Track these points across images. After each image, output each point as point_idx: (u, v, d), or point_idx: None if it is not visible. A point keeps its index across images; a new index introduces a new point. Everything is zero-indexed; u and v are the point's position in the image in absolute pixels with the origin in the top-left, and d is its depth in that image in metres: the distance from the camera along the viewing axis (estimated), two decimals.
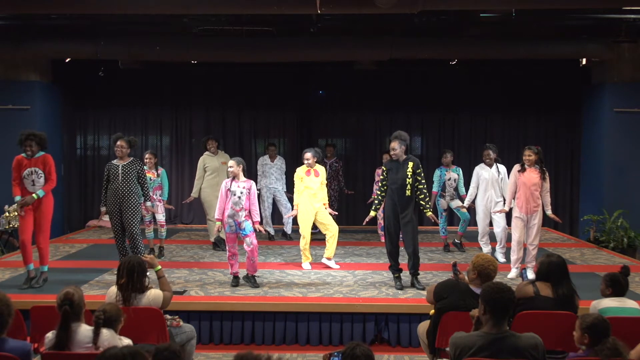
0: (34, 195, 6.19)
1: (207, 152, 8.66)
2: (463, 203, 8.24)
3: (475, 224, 8.16)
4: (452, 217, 8.62)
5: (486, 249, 7.95)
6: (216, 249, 8.47)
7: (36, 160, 6.31)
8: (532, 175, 6.61)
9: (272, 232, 9.37)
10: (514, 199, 6.77)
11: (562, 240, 9.73)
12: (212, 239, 8.56)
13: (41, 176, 6.30)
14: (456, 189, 8.36)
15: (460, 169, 8.51)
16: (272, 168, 9.31)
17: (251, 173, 9.38)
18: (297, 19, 8.41)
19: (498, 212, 7.47)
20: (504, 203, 7.36)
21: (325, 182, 7.52)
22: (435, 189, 8.31)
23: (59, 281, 6.35)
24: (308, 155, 7.38)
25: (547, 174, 6.67)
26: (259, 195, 9.16)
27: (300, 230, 7.41)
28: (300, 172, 7.42)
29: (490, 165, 7.81)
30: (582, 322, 3.38)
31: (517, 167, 6.74)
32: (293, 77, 11.13)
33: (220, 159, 8.56)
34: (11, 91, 9.77)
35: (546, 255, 4.24)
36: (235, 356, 2.62)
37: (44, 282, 6.41)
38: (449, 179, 8.29)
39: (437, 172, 8.37)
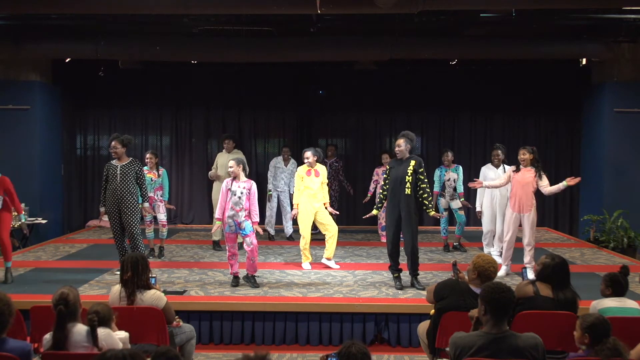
0: (23, 222, 7.15)
1: (223, 150, 8.92)
2: (461, 200, 8.25)
3: (474, 225, 8.14)
4: (453, 217, 8.62)
5: (487, 250, 7.94)
6: (216, 248, 8.47)
7: None
8: (527, 174, 6.63)
9: (272, 232, 9.37)
10: (498, 188, 7.02)
11: (562, 240, 9.73)
12: (214, 238, 8.55)
13: None
14: (455, 188, 8.37)
15: (461, 167, 8.50)
16: (283, 172, 9.30)
17: (251, 173, 9.38)
18: (297, 19, 8.41)
19: (474, 185, 6.97)
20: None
21: (327, 182, 7.52)
22: (436, 188, 8.33)
23: (59, 281, 6.33)
24: (308, 154, 7.39)
25: (543, 174, 6.66)
26: (268, 196, 9.20)
27: (300, 230, 7.42)
28: (301, 171, 7.42)
29: (497, 166, 7.80)
30: (583, 322, 3.38)
31: (513, 167, 6.77)
32: (293, 77, 11.13)
33: (231, 157, 8.56)
34: (11, 91, 9.76)
35: (551, 258, 4.12)
36: (245, 356, 2.55)
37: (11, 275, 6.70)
38: (449, 179, 8.30)
39: (437, 172, 8.39)
